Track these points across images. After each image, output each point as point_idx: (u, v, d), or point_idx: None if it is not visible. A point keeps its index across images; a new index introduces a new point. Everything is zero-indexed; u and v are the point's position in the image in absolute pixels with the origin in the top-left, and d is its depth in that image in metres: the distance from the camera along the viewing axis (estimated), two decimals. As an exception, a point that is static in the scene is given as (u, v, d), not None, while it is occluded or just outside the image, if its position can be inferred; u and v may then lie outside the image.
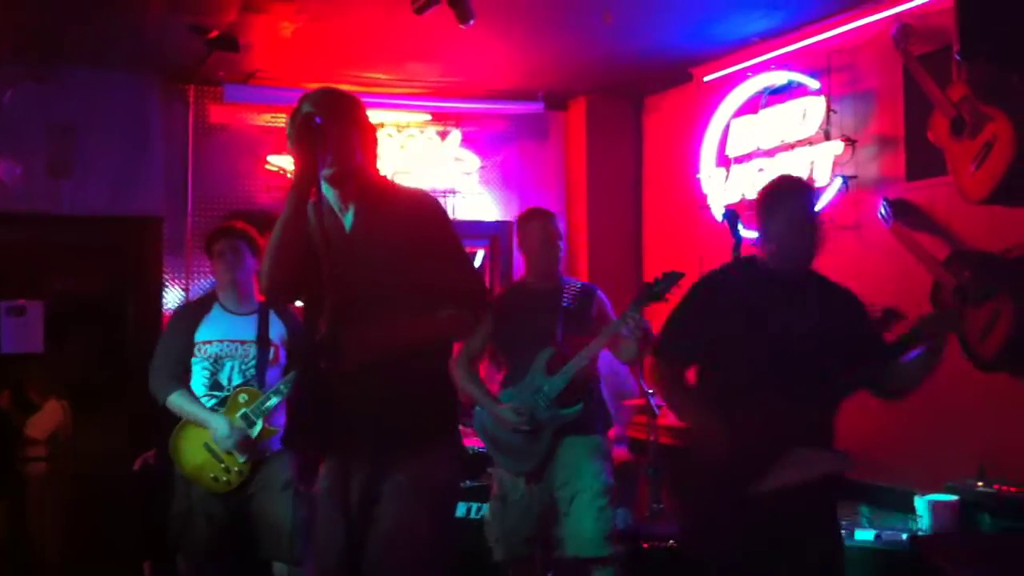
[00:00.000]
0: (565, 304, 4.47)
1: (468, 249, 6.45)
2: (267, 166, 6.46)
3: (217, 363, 4.35)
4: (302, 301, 3.06)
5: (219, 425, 4.25)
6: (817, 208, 3.45)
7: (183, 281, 6.32)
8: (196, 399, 4.34)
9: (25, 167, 5.88)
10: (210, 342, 4.37)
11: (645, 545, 4.76)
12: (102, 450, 6.44)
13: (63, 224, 6.20)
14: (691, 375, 3.49)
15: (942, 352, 3.27)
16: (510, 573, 4.53)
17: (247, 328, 4.39)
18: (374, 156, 3.00)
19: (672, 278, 4.20)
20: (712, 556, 3.33)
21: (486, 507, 4.72)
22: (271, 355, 4.37)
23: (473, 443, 5.08)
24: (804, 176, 5.17)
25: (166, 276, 6.32)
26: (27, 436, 6.26)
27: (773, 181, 3.47)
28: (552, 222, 4.52)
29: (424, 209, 2.98)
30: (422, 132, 6.74)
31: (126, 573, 5.72)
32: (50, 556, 6.38)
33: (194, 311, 4.49)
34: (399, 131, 6.68)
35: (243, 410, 4.30)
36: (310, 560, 3.20)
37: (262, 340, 4.36)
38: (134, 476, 5.47)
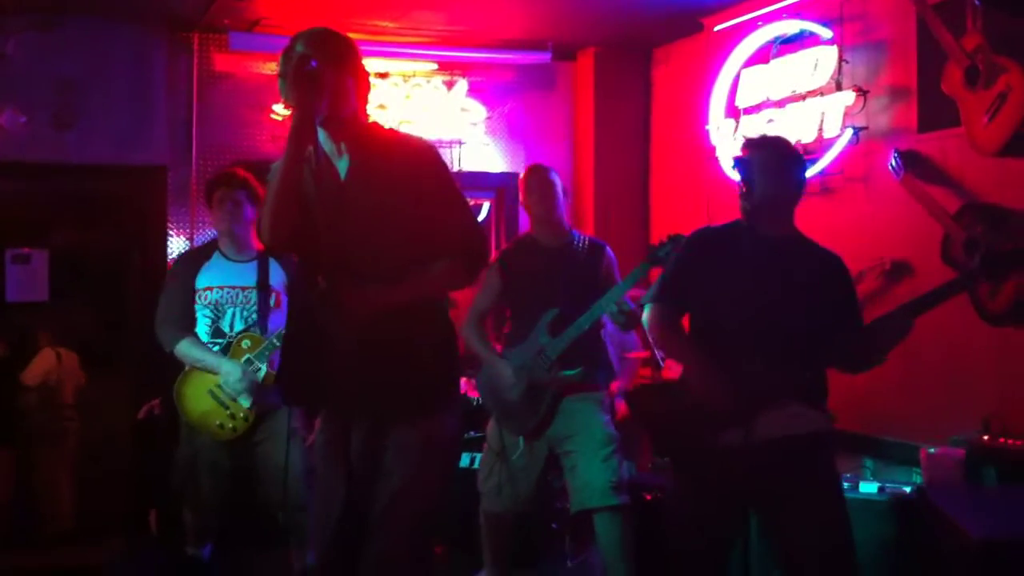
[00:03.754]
0: (572, 263, 4.42)
1: (474, 201, 6.41)
2: (272, 115, 6.40)
3: (218, 310, 4.34)
4: (298, 254, 3.01)
5: (230, 369, 4.24)
6: (805, 172, 3.41)
7: (187, 230, 6.29)
8: (204, 345, 4.33)
9: (30, 117, 5.84)
10: (211, 288, 4.35)
11: (648, 497, 4.76)
12: (107, 399, 6.47)
13: (67, 173, 6.17)
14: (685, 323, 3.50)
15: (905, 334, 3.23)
16: (489, 525, 4.49)
17: (247, 274, 4.38)
18: (366, 101, 2.94)
19: (675, 241, 4.20)
20: (689, 504, 3.36)
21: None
22: (272, 300, 4.36)
23: (476, 394, 5.07)
24: (815, 126, 5.14)
25: (170, 225, 6.29)
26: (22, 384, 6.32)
27: (761, 138, 3.49)
28: (550, 175, 4.47)
29: (420, 156, 2.90)
30: (428, 81, 6.66)
31: (132, 522, 5.76)
32: (58, 506, 6.43)
33: (194, 258, 4.47)
34: (405, 80, 6.60)
35: (247, 356, 4.30)
36: (311, 509, 3.20)
37: (262, 286, 4.36)
38: (139, 425, 5.49)
